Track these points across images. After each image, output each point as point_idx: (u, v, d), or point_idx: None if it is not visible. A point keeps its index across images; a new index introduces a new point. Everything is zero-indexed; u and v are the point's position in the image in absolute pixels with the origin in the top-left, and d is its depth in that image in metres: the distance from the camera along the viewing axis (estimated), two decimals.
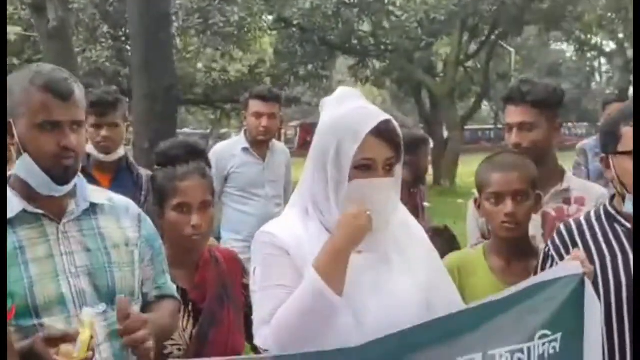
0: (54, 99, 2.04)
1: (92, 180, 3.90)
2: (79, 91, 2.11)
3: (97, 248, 2.16)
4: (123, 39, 18.21)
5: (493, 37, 21.01)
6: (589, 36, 29.53)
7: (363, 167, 2.00)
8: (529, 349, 2.05)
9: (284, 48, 20.46)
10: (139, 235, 2.28)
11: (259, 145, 4.81)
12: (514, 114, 3.06)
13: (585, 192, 3.07)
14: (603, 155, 2.37)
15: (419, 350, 1.96)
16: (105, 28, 17.21)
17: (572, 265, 2.16)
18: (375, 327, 1.94)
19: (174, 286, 2.44)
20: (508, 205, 2.51)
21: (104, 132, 3.88)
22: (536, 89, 3.06)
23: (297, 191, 2.17)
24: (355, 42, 20.50)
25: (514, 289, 2.15)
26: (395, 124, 2.06)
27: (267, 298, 2.00)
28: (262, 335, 1.99)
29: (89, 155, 3.97)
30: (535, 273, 2.41)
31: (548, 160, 3.04)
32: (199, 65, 20.50)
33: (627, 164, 2.24)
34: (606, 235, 2.34)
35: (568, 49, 39.84)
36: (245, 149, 4.79)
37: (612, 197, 2.41)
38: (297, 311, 1.92)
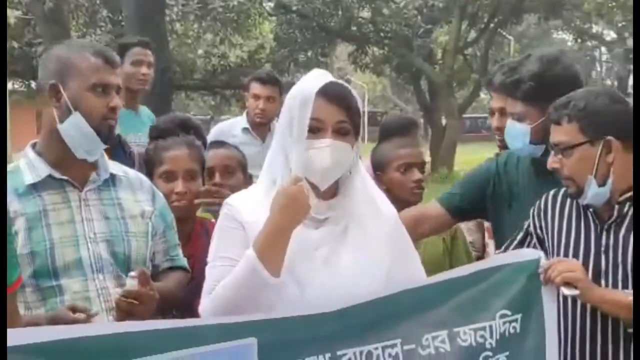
0: (105, 64, 2.22)
1: None
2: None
3: (116, 217, 2.29)
4: (122, 23, 18.20)
5: (492, 25, 20.95)
6: (588, 25, 29.42)
7: (312, 129, 2.01)
8: (490, 327, 2.12)
9: (284, 34, 20.44)
10: (152, 208, 2.41)
11: (259, 126, 4.86)
12: (497, 100, 3.11)
13: None
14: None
15: (383, 324, 2.00)
16: (104, 12, 17.18)
17: (530, 250, 2.29)
18: (321, 301, 1.96)
19: (185, 259, 2.55)
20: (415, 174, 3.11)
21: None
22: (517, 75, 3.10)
23: (264, 165, 2.17)
24: (355, 28, 20.51)
25: (474, 268, 2.24)
26: (348, 88, 2.08)
27: (214, 269, 2.05)
28: (203, 304, 2.02)
29: None
30: None
31: None
32: (199, 50, 20.48)
33: None
34: (569, 206, 2.47)
35: (568, 38, 39.75)
36: (245, 129, 4.86)
37: None
38: (233, 285, 1.94)
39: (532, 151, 2.71)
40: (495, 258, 2.30)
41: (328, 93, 2.02)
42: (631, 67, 41.24)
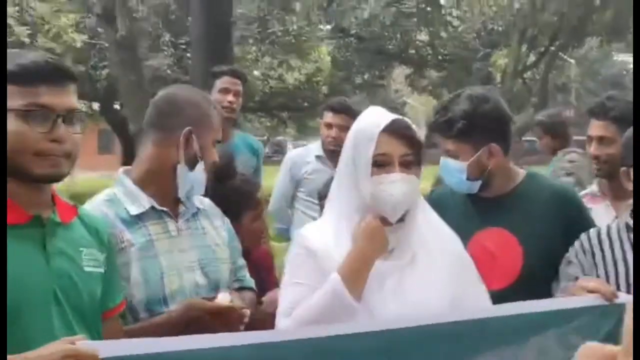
0: (220, 122, 2.49)
1: None
2: None
3: (205, 245, 2.47)
4: (183, 47, 18.68)
5: (553, 48, 20.79)
6: None
7: (379, 163, 2.14)
8: None
9: (341, 57, 20.66)
10: (226, 234, 2.59)
11: (332, 154, 4.90)
12: (596, 128, 3.22)
13: None
14: (624, 168, 2.47)
15: (441, 353, 2.04)
16: (167, 37, 17.67)
17: (592, 297, 2.22)
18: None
19: (252, 280, 2.72)
20: None
21: None
22: (619, 106, 3.21)
23: (329, 196, 2.31)
24: (413, 51, 20.59)
25: (537, 306, 2.22)
26: (409, 122, 2.20)
27: (289, 293, 2.17)
28: (282, 324, 2.14)
29: None
30: None
31: None
32: (256, 73, 20.88)
33: None
34: (622, 243, 2.45)
35: (629, 60, 39.08)
36: (318, 157, 4.96)
37: (632, 211, 2.50)
38: (316, 308, 2.07)
39: (470, 187, 2.72)
40: (580, 299, 2.23)
41: (391, 129, 2.16)
42: None
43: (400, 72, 25.67)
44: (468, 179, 2.68)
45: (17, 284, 1.84)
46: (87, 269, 2.01)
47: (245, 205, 3.13)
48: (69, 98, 1.92)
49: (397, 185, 2.13)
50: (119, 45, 8.76)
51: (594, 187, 3.50)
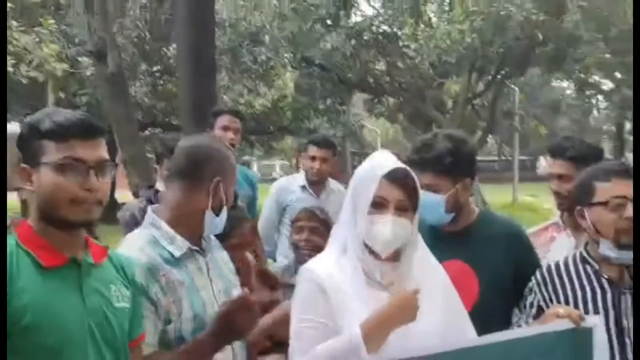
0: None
1: None
2: None
3: (223, 275, 2.57)
4: (157, 74, 18.63)
5: (499, 77, 21.26)
6: (588, 75, 29.70)
7: (377, 205, 2.22)
8: None
9: (305, 84, 20.79)
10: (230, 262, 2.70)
11: (315, 184, 5.09)
12: (556, 166, 3.31)
13: None
14: (578, 207, 2.59)
15: None
16: (143, 66, 17.60)
17: (563, 322, 2.33)
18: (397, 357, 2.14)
19: None
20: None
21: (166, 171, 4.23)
22: (575, 146, 3.31)
23: (334, 229, 2.39)
24: (371, 80, 20.83)
25: (529, 332, 2.37)
26: (409, 171, 2.28)
27: (303, 331, 2.21)
28: None
29: (157, 192, 4.32)
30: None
31: None
32: (226, 99, 20.87)
33: (601, 214, 2.49)
34: (578, 273, 2.59)
35: (568, 87, 40.00)
36: (302, 187, 5.09)
37: (586, 244, 2.64)
38: (331, 353, 2.13)
39: (446, 219, 2.79)
40: (553, 324, 2.33)
41: (392, 176, 2.24)
42: (628, 114, 41.34)
43: (359, 98, 25.93)
44: (445, 211, 2.76)
45: (58, 321, 1.88)
46: (117, 304, 2.05)
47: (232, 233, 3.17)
48: (100, 150, 1.99)
49: (388, 226, 2.22)
50: (109, 81, 8.76)
51: (557, 219, 3.63)
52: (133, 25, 16.80)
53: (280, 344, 3.07)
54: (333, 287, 2.21)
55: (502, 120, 26.49)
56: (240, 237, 3.19)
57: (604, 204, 2.49)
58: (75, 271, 1.97)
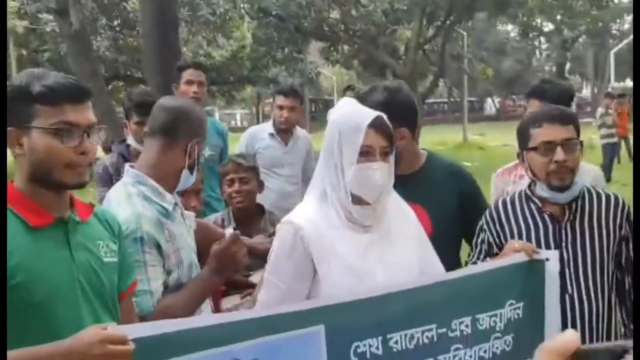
0: None
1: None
2: None
3: (189, 226, 2.61)
4: (117, 28, 18.15)
5: (448, 22, 21.20)
6: (531, 19, 29.84)
7: (364, 153, 2.21)
8: (501, 314, 2.33)
9: (263, 35, 20.48)
10: None
11: (282, 132, 5.07)
12: (537, 107, 3.27)
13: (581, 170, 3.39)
14: (519, 151, 2.66)
15: (423, 311, 2.18)
16: (103, 20, 17.12)
17: (519, 255, 2.43)
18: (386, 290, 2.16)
19: None
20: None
21: (146, 128, 4.13)
22: (555, 88, 3.36)
23: (314, 177, 2.35)
24: (327, 28, 20.59)
25: (491, 266, 2.45)
26: (386, 119, 2.28)
27: (271, 287, 2.25)
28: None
29: (128, 146, 4.24)
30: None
31: None
32: (186, 51, 20.49)
33: (534, 157, 2.57)
34: (523, 210, 2.68)
35: (512, 30, 40.20)
36: (270, 134, 5.09)
37: (530, 183, 2.71)
38: None
39: None
40: (510, 258, 2.43)
41: (375, 124, 2.23)
42: (568, 54, 41.85)
43: (315, 46, 25.68)
44: None
45: (47, 278, 1.86)
46: (105, 259, 2.03)
47: None
48: (90, 114, 1.95)
49: (377, 172, 2.22)
50: (72, 38, 8.50)
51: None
52: None
53: (235, 286, 3.10)
54: (314, 233, 2.20)
55: (452, 64, 26.58)
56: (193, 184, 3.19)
57: (535, 148, 2.56)
58: (63, 229, 1.94)
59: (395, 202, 2.39)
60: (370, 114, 2.25)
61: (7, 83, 1.95)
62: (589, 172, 3.19)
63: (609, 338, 2.59)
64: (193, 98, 4.52)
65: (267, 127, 5.19)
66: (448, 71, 26.82)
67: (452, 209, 2.84)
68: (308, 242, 2.20)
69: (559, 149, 2.51)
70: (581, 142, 2.61)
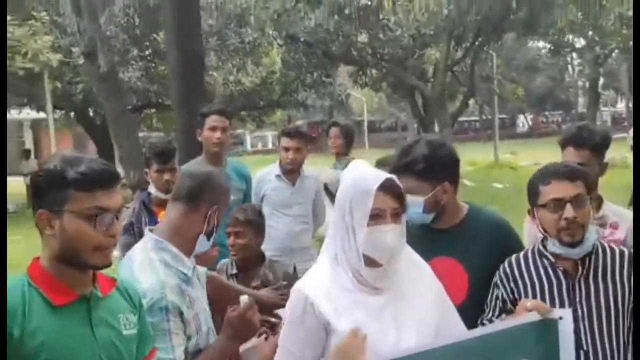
0: None
1: (152, 213, 4.32)
2: None
3: (202, 288, 2.68)
4: (148, 58, 18.48)
5: (476, 43, 21.19)
6: (561, 36, 29.63)
7: (374, 217, 2.24)
8: None
9: (292, 60, 20.70)
10: None
11: (289, 173, 5.13)
12: (573, 155, 3.27)
13: (619, 217, 3.35)
14: (529, 208, 2.67)
15: None
16: (135, 51, 17.46)
17: (532, 314, 2.41)
18: (394, 355, 2.17)
19: None
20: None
21: (166, 176, 4.25)
22: (593, 135, 3.29)
23: (327, 238, 2.39)
24: (355, 53, 20.73)
25: (505, 325, 2.45)
26: (396, 180, 2.32)
27: (285, 354, 2.30)
28: None
29: (149, 194, 4.36)
30: None
31: (593, 192, 3.17)
32: (217, 76, 20.78)
33: (544, 214, 2.58)
34: (537, 266, 2.68)
35: (543, 46, 39.89)
36: (277, 176, 5.14)
37: (543, 239, 2.70)
38: None
39: (424, 219, 2.83)
40: (523, 317, 2.42)
41: (385, 187, 2.26)
42: (600, 70, 41.36)
43: (344, 69, 25.83)
44: (424, 211, 2.80)
45: (70, 356, 1.92)
46: (125, 332, 2.08)
47: None
48: (119, 197, 2.01)
49: (389, 235, 2.25)
50: (100, 80, 8.70)
51: None
52: (122, 13, 16.62)
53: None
54: (325, 299, 2.24)
55: (481, 84, 26.46)
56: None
57: (545, 205, 2.58)
58: (85, 306, 1.99)
59: (409, 258, 2.40)
60: (380, 176, 2.28)
61: (43, 167, 2.01)
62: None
63: None
64: (216, 144, 4.65)
65: (275, 169, 5.23)
66: (478, 91, 26.71)
67: (492, 263, 2.79)
68: (319, 309, 2.23)
69: (568, 206, 2.53)
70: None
